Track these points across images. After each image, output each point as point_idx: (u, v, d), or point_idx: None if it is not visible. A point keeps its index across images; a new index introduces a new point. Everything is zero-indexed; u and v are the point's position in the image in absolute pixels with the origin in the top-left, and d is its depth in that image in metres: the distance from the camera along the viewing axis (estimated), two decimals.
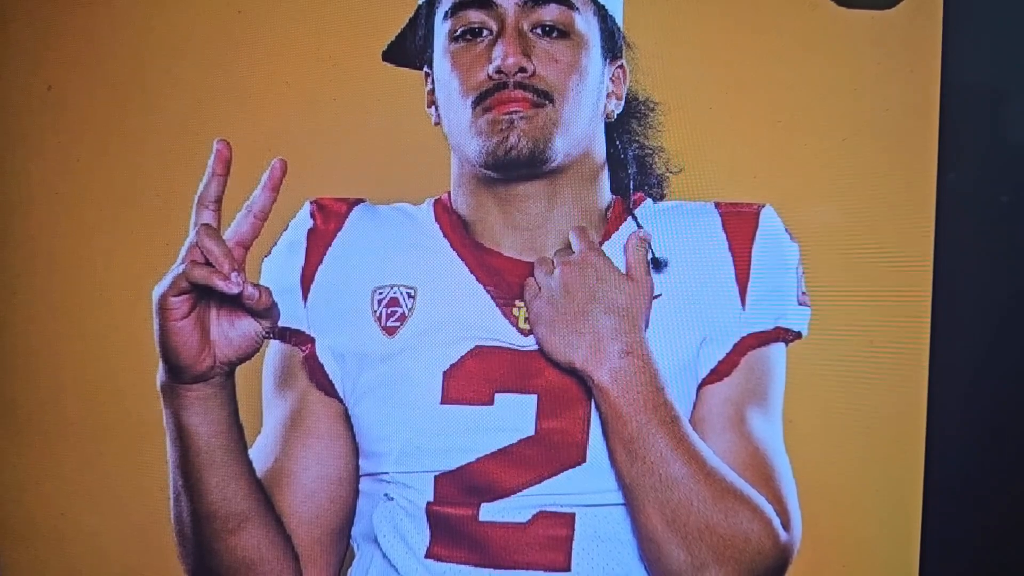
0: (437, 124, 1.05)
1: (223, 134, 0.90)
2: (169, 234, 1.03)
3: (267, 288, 0.88)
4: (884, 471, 1.13)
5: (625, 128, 1.09)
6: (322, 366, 1.01)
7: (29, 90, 1.27)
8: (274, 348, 1.05)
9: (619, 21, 1.05)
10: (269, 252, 1.05)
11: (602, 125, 1.04)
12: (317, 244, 1.04)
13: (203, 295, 0.88)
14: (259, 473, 0.98)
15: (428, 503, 0.98)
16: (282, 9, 1.18)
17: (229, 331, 0.90)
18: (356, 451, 1.03)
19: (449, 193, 1.06)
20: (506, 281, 1.00)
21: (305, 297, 1.02)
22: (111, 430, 1.28)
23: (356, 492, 1.03)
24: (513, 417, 0.97)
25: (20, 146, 1.29)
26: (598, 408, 0.95)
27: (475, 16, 0.98)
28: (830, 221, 1.10)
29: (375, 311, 1.01)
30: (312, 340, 1.02)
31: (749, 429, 0.98)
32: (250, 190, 0.91)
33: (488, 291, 1.00)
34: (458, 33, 0.99)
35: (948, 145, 1.09)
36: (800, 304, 1.03)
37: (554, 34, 0.98)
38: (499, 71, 0.96)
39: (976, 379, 1.13)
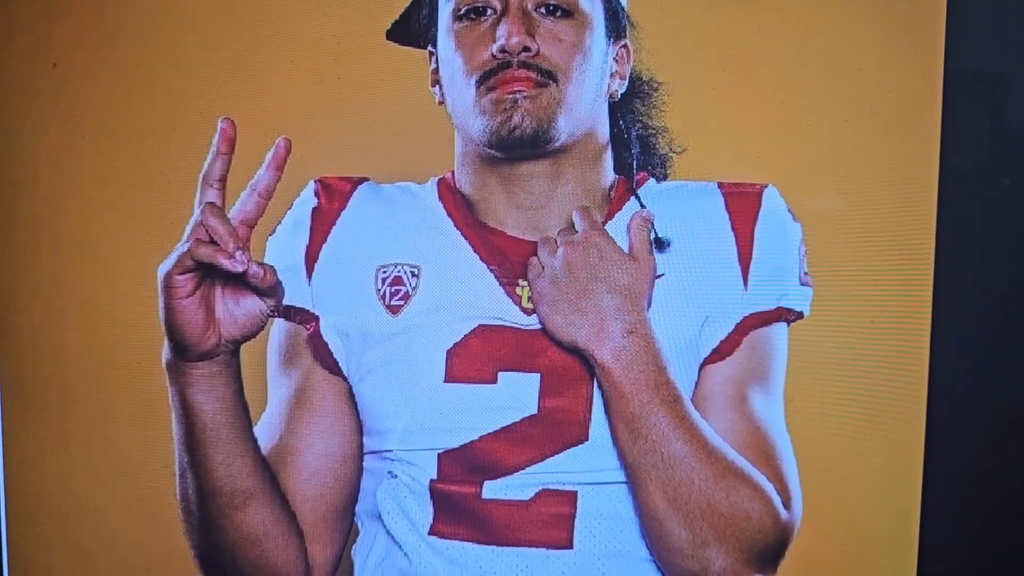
0: (441, 103, 1.05)
1: (227, 113, 0.90)
2: (174, 213, 1.04)
3: (271, 267, 0.88)
4: (885, 451, 1.13)
5: (629, 108, 1.09)
6: (326, 344, 1.02)
7: (34, 68, 1.27)
8: (278, 326, 1.05)
9: (623, 1, 1.05)
10: (273, 231, 1.05)
11: (606, 105, 1.04)
12: (321, 223, 1.04)
13: (208, 273, 0.89)
14: (264, 451, 0.99)
15: (431, 481, 0.98)
16: None
17: (234, 309, 0.91)
18: (360, 429, 1.03)
19: (453, 172, 1.06)
20: (509, 260, 1.00)
21: (309, 276, 1.03)
22: (117, 407, 1.29)
23: (360, 470, 1.04)
24: (516, 395, 0.97)
25: (25, 124, 1.29)
26: (600, 387, 0.95)
27: None
28: (832, 202, 1.10)
29: (379, 290, 1.01)
30: (316, 318, 1.02)
31: (750, 408, 0.98)
32: (254, 169, 0.91)
33: (491, 270, 1.00)
34: (462, 12, 0.99)
35: (950, 127, 1.09)
36: (802, 284, 1.03)
37: (558, 13, 0.98)
38: (503, 50, 0.95)
39: (977, 360, 1.13)
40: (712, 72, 1.12)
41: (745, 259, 1.00)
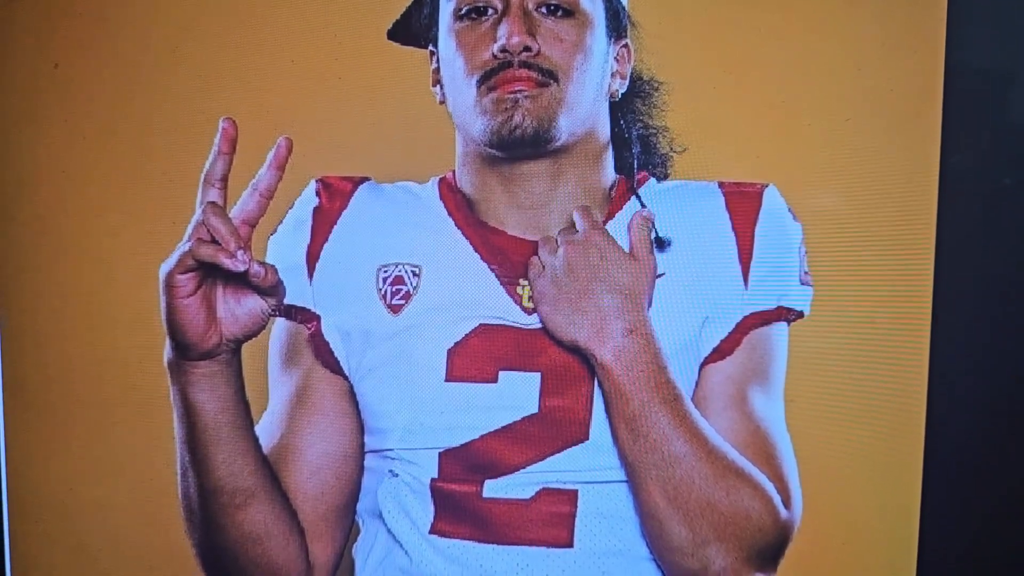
0: (442, 103, 1.05)
1: (229, 113, 0.90)
2: (175, 212, 1.04)
3: (273, 266, 0.89)
4: (885, 450, 1.13)
5: (629, 108, 1.09)
6: (327, 343, 1.02)
7: (36, 68, 1.27)
8: (280, 326, 1.05)
9: (624, 0, 1.05)
10: (275, 230, 1.06)
11: (606, 105, 1.04)
12: (322, 222, 1.04)
13: (209, 273, 0.89)
14: (265, 450, 0.99)
15: (432, 479, 0.98)
16: None
17: (235, 308, 0.91)
18: (361, 428, 1.03)
19: (454, 172, 1.07)
20: (510, 260, 1.01)
21: (310, 275, 1.03)
22: (119, 406, 1.29)
23: (361, 468, 1.04)
24: (517, 395, 0.98)
25: (27, 124, 1.29)
26: (601, 386, 0.95)
27: None
28: (833, 201, 1.10)
29: (380, 289, 1.01)
30: (317, 318, 1.03)
31: (750, 408, 0.98)
32: (256, 168, 0.92)
33: (492, 270, 1.01)
34: (463, 11, 0.99)
35: (951, 126, 1.09)
36: (802, 284, 1.03)
37: (559, 13, 0.98)
38: (504, 50, 0.96)
39: (977, 360, 1.13)
40: (712, 72, 1.12)
41: (745, 258, 1.01)
